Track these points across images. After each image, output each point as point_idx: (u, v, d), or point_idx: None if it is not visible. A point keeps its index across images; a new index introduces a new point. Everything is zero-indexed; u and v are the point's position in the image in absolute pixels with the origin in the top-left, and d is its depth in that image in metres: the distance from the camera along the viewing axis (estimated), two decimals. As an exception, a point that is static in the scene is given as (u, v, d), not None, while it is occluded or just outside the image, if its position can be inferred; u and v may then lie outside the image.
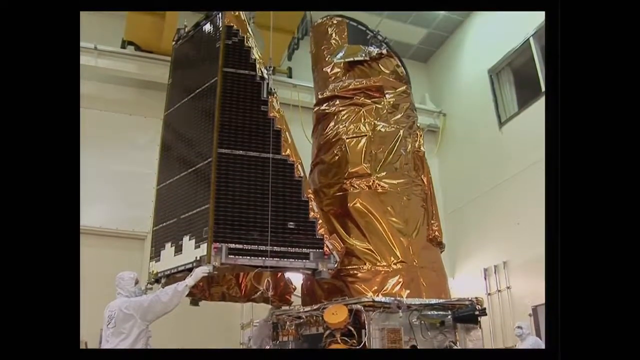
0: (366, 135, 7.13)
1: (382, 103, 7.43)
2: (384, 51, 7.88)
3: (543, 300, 4.66)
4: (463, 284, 11.43)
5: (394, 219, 6.62)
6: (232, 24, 6.66)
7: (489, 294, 10.65)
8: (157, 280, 6.10)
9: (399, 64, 7.99)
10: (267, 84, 6.39)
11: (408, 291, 6.10)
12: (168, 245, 6.05)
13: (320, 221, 5.93)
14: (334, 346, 5.29)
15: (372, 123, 7.21)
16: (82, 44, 9.63)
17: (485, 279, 10.90)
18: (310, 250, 5.75)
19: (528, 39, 10.75)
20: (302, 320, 5.85)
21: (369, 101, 7.43)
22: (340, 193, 6.90)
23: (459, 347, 5.73)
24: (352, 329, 5.36)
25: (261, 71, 6.45)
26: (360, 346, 5.26)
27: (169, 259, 5.98)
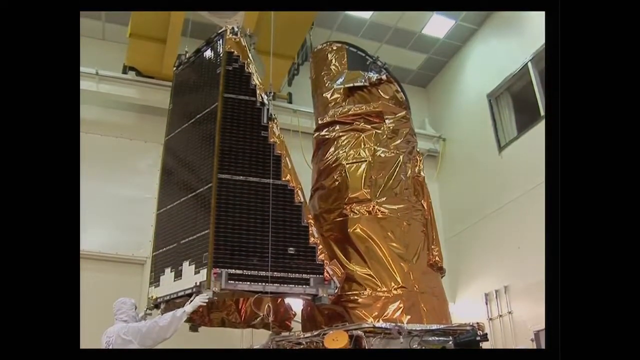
0: (366, 160, 7.15)
1: (382, 128, 7.45)
2: (384, 77, 7.93)
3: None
4: (464, 309, 11.32)
5: (394, 244, 6.61)
6: (232, 50, 6.74)
7: (491, 319, 10.54)
8: (157, 306, 6.08)
9: (399, 89, 8.04)
10: (268, 109, 6.43)
11: (409, 317, 6.07)
12: (168, 270, 6.03)
13: (320, 247, 5.92)
14: None
15: (372, 148, 7.23)
16: (83, 69, 9.67)
17: (486, 303, 10.79)
18: (311, 275, 5.74)
19: (526, 63, 10.80)
20: (302, 346, 5.80)
21: (369, 127, 7.46)
22: (341, 218, 6.89)
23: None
24: (353, 355, 5.32)
25: (261, 97, 6.50)
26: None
27: (168, 284, 5.96)
